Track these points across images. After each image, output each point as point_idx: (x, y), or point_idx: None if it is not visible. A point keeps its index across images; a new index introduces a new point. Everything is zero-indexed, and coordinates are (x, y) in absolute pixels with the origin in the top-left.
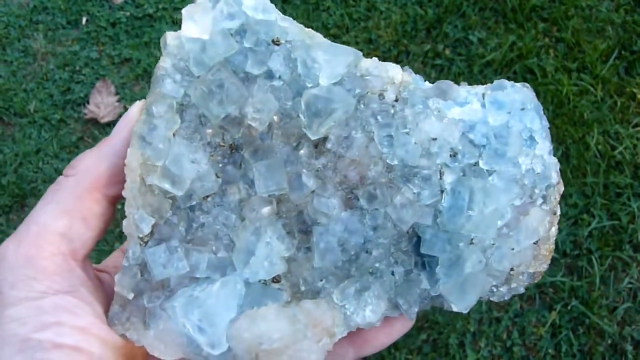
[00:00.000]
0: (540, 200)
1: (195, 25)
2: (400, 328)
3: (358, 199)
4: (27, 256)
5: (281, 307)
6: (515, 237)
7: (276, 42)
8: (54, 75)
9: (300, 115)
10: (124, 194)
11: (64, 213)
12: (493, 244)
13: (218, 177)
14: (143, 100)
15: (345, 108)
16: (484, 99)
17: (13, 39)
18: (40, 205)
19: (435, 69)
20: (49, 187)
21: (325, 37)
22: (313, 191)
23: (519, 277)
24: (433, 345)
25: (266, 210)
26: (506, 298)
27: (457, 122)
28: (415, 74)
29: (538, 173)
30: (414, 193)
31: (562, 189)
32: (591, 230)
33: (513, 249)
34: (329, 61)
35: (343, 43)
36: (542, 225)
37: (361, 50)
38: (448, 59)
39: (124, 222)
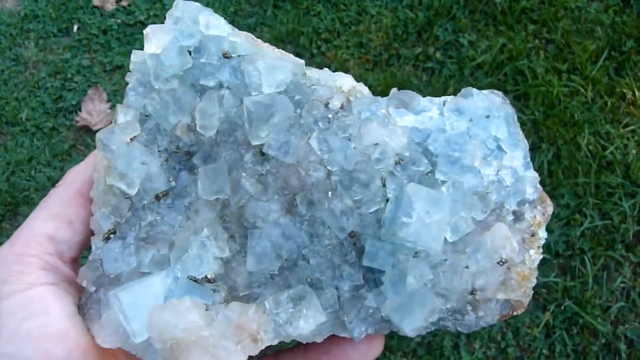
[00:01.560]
0: (510, 217)
1: (156, 43)
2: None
3: (297, 206)
4: (17, 254)
5: (203, 304)
6: (472, 255)
7: (226, 56)
8: (46, 84)
9: (245, 123)
10: (91, 194)
11: (52, 218)
12: (445, 260)
13: (171, 180)
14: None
15: (283, 113)
16: (444, 106)
17: (4, 47)
18: (32, 213)
19: (426, 72)
20: (42, 199)
21: (316, 41)
22: (252, 196)
23: (488, 305)
24: (427, 348)
25: (208, 213)
26: (475, 328)
27: (406, 129)
28: (407, 77)
29: (507, 186)
30: (354, 200)
31: (550, 210)
32: (583, 230)
33: (468, 267)
34: (269, 69)
35: (334, 47)
36: (506, 244)
37: (352, 54)
38: (439, 61)
39: (91, 219)
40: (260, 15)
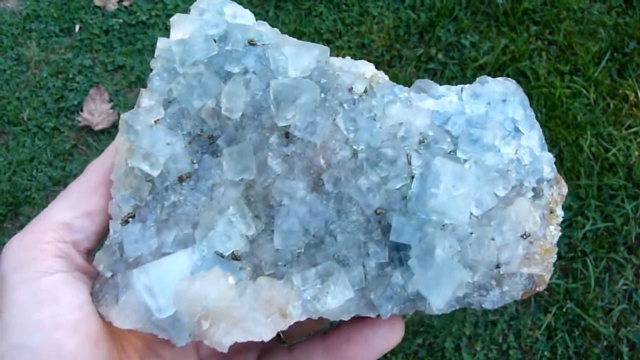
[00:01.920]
0: (530, 194)
1: (182, 31)
2: (391, 336)
3: (324, 184)
4: (31, 240)
5: (232, 277)
6: (497, 227)
7: (252, 43)
8: (47, 83)
9: (270, 105)
10: (111, 177)
11: (70, 207)
12: (471, 233)
13: (194, 162)
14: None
15: (309, 95)
16: (462, 92)
17: (6, 47)
18: (50, 204)
19: (428, 73)
20: (65, 189)
21: (318, 42)
22: (278, 175)
23: (512, 279)
24: (429, 350)
25: (233, 192)
26: (500, 305)
27: (428, 110)
28: (409, 78)
29: (526, 165)
30: (381, 177)
31: (565, 190)
32: (586, 233)
33: (494, 239)
34: (295, 54)
35: (336, 48)
36: (529, 217)
37: (354, 55)
38: (441, 62)
39: (110, 203)
40: (262, 16)
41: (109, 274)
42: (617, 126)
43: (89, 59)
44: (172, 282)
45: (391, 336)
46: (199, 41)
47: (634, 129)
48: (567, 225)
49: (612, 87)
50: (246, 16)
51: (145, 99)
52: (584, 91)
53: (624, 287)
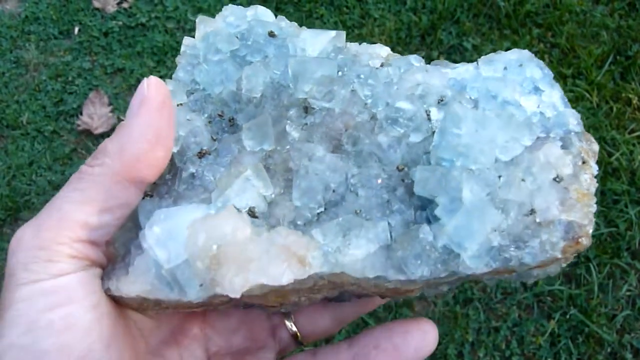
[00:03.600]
0: (558, 143)
1: (206, 30)
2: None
3: (344, 145)
4: (45, 239)
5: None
6: (526, 170)
7: (271, 34)
8: (47, 86)
9: (289, 84)
10: None
11: (87, 202)
12: (499, 177)
13: (214, 139)
14: (152, 77)
15: (327, 68)
16: (477, 63)
17: (5, 49)
18: (63, 193)
19: None
20: (72, 176)
21: None
22: (297, 139)
23: (550, 228)
24: (432, 356)
25: (252, 159)
26: (542, 260)
27: (446, 74)
28: None
29: (549, 118)
30: (400, 133)
31: (596, 148)
32: None
33: (524, 181)
34: (313, 37)
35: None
36: (560, 160)
37: None
38: None
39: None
40: None
41: (122, 251)
42: (620, 130)
43: (88, 62)
44: (184, 230)
45: (423, 345)
46: (223, 36)
47: (637, 133)
48: None
49: (615, 91)
50: (267, 14)
51: (170, 86)
52: (587, 95)
53: (628, 293)
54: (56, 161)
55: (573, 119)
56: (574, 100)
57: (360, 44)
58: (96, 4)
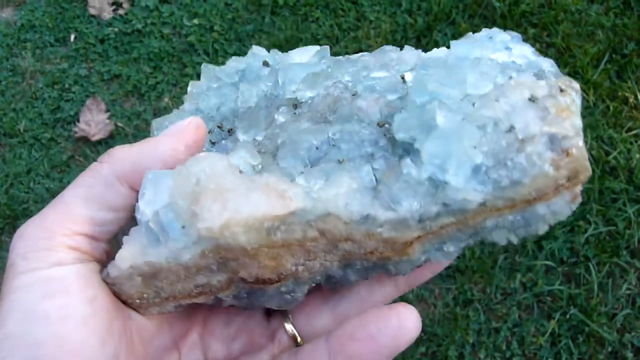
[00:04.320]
0: (532, 76)
1: (209, 73)
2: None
3: (327, 118)
4: (46, 230)
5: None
6: (500, 94)
7: (265, 64)
8: (43, 94)
9: (280, 92)
10: None
11: (93, 198)
12: (473, 104)
13: (213, 143)
14: (197, 118)
15: (310, 67)
16: (450, 48)
17: (1, 58)
18: (70, 187)
19: None
20: (82, 173)
21: None
22: (285, 122)
23: (533, 141)
24: (432, 358)
25: (242, 144)
26: (531, 172)
27: (419, 51)
28: None
29: (521, 64)
30: (378, 94)
31: (577, 86)
32: (588, 237)
33: (498, 101)
34: (300, 52)
35: (333, 54)
36: (534, 85)
37: None
38: None
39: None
40: (259, 22)
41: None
42: (617, 129)
43: (85, 69)
44: (169, 178)
45: (400, 332)
46: (225, 72)
47: (634, 132)
48: (569, 229)
49: (612, 90)
50: (260, 51)
51: (175, 111)
52: (584, 94)
53: (628, 292)
54: (54, 169)
55: (547, 64)
56: None
57: (346, 55)
58: (92, 11)
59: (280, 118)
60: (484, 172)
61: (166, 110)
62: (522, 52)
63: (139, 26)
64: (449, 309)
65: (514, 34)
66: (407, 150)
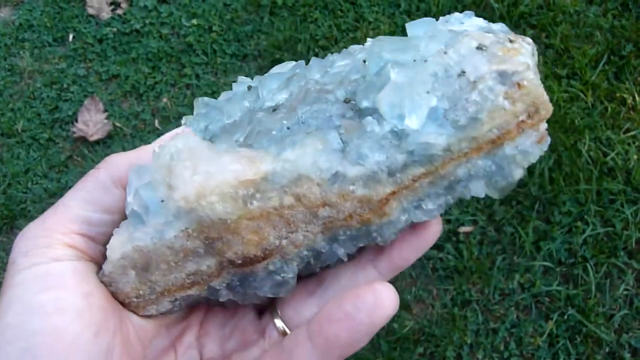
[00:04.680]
0: (481, 32)
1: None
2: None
3: (296, 109)
4: (46, 228)
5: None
6: (448, 45)
7: (249, 88)
8: (42, 94)
9: (260, 103)
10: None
11: (91, 201)
12: (425, 61)
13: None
14: (189, 128)
15: (283, 74)
16: None
17: None
18: (70, 192)
19: None
20: (81, 179)
21: (314, 48)
22: (262, 117)
23: (484, 79)
24: (430, 358)
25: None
26: (487, 111)
27: None
28: None
29: (472, 30)
30: (342, 76)
31: (530, 40)
32: (586, 238)
33: (447, 53)
34: (278, 68)
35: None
36: (482, 37)
37: None
38: None
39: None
40: (257, 23)
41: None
42: (616, 130)
43: (83, 69)
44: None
45: (376, 308)
46: (212, 101)
47: (632, 133)
48: (567, 230)
49: (610, 91)
50: (249, 79)
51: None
52: (582, 95)
53: (625, 293)
54: (52, 169)
55: (498, 27)
56: (569, 101)
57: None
58: (90, 11)
59: (259, 116)
60: (442, 116)
61: (164, 110)
62: (474, 22)
63: (138, 26)
64: (447, 309)
65: (469, 12)
66: (372, 115)
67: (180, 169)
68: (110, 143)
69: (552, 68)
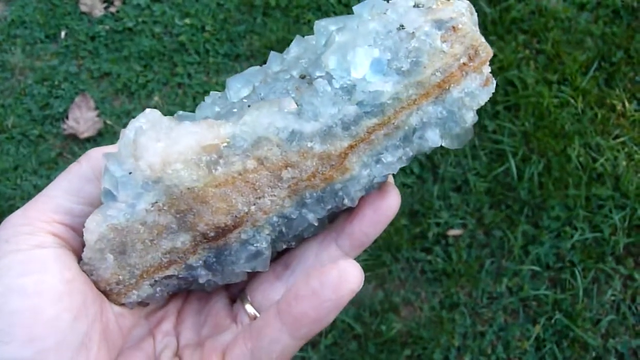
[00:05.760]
0: None
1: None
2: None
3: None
4: (29, 217)
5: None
6: (387, 8)
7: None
8: (33, 90)
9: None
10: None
11: (73, 192)
12: (369, 19)
13: None
14: None
15: (248, 73)
16: None
17: None
18: (52, 184)
19: None
20: (62, 172)
21: None
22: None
23: (422, 29)
24: None
25: None
26: (429, 54)
27: None
28: None
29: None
30: (297, 58)
31: (467, 2)
32: (574, 243)
33: (385, 13)
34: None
35: None
36: None
37: None
38: None
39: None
40: (250, 23)
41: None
42: (605, 136)
43: (75, 66)
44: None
45: (341, 284)
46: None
47: (622, 139)
48: (556, 235)
49: (600, 97)
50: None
51: None
52: (572, 101)
53: (612, 298)
54: (42, 165)
55: None
56: (559, 106)
57: None
58: (83, 8)
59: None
60: (386, 65)
61: (156, 109)
62: None
63: (130, 24)
64: (435, 312)
65: None
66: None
67: (144, 139)
68: (100, 141)
69: (543, 73)
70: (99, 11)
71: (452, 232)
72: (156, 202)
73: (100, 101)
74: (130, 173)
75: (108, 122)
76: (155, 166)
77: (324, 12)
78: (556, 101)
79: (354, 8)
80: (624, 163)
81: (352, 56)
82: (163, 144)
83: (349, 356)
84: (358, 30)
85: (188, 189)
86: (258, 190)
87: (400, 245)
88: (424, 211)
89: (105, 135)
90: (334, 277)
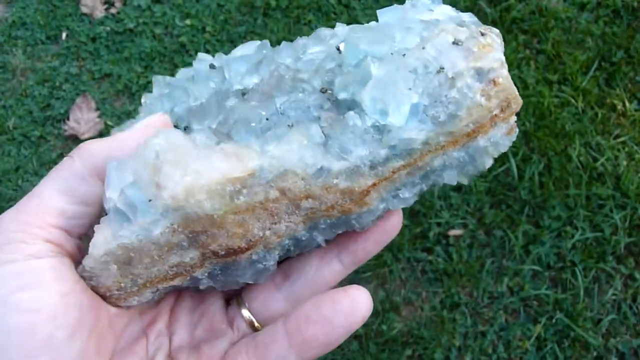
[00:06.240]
0: (455, 26)
1: (161, 82)
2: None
3: (273, 96)
4: (22, 222)
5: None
6: (425, 42)
7: (212, 67)
8: (34, 92)
9: (227, 85)
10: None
11: (65, 191)
12: (403, 55)
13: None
14: (165, 114)
15: (250, 57)
16: None
17: None
18: (43, 181)
19: None
20: (54, 167)
21: None
22: (234, 105)
23: (462, 76)
24: None
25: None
26: (465, 103)
27: (350, 27)
28: None
29: (442, 20)
30: (317, 64)
31: (497, 31)
32: (574, 243)
33: (424, 48)
34: (241, 48)
35: None
36: (456, 31)
37: None
38: None
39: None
40: (251, 24)
41: None
42: (605, 135)
43: (76, 67)
44: (131, 161)
45: (353, 312)
46: (174, 80)
47: (622, 139)
48: (556, 235)
49: (600, 97)
50: (210, 57)
51: (128, 121)
52: (572, 100)
53: (613, 297)
54: (43, 166)
55: (467, 16)
56: (560, 106)
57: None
58: (84, 10)
59: (230, 104)
60: (422, 111)
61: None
62: (443, 10)
63: (131, 25)
64: (435, 312)
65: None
66: (351, 107)
67: (169, 170)
68: None
69: (543, 73)
70: (99, 12)
71: (453, 232)
72: (172, 225)
73: (101, 102)
74: (150, 200)
75: (109, 123)
76: (178, 197)
77: (324, 13)
78: (556, 101)
79: (380, 15)
80: (625, 163)
81: (391, 101)
82: (191, 178)
83: (350, 356)
84: (396, 63)
85: (207, 215)
86: (275, 217)
87: (401, 245)
88: (425, 211)
89: (106, 136)
90: (346, 305)
